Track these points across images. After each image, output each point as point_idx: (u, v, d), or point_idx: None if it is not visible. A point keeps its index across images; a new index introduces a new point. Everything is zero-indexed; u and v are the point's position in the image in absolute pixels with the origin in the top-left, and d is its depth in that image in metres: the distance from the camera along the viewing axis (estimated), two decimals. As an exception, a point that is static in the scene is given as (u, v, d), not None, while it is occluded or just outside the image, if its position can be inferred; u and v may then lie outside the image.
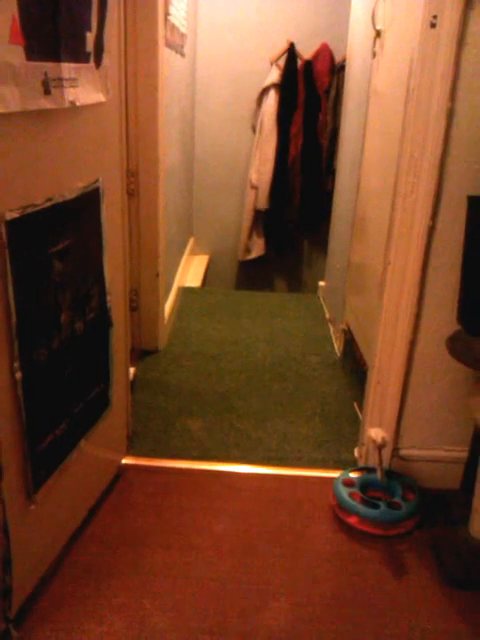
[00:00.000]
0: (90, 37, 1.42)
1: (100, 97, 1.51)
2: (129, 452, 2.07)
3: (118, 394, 1.89)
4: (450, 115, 1.62)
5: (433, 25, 1.56)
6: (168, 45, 2.71)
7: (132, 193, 2.56)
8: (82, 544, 1.70)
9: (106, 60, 1.51)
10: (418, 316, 1.78)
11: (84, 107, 1.42)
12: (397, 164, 1.72)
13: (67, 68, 1.31)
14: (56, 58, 1.26)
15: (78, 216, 1.51)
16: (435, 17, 1.55)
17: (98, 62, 1.48)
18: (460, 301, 1.59)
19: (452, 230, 1.70)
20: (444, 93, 1.60)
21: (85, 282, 1.58)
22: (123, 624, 1.45)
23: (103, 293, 1.68)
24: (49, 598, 1.52)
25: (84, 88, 1.41)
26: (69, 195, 1.44)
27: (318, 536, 1.78)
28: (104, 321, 1.72)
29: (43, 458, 1.46)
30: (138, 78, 2.45)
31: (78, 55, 1.37)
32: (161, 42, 2.47)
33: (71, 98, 1.34)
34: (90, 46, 1.42)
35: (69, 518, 1.69)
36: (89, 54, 1.42)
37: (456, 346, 1.58)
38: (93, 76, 1.46)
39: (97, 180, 1.58)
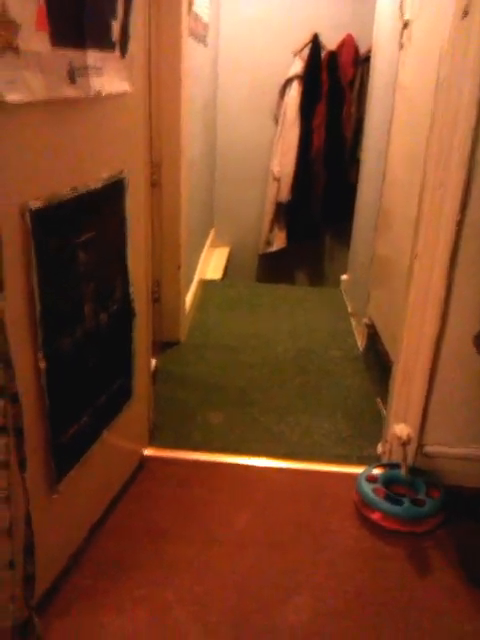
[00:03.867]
0: (116, 25, 1.40)
1: (125, 87, 1.50)
2: (151, 444, 2.07)
3: (140, 386, 1.89)
4: (481, 106, 1.58)
5: (466, 13, 1.52)
6: (191, 34, 2.69)
7: (155, 184, 2.54)
8: (103, 536, 1.70)
9: (132, 49, 1.49)
10: (445, 311, 1.75)
11: (109, 97, 1.40)
12: (425, 157, 1.69)
13: (93, 56, 1.29)
14: (82, 46, 1.25)
15: (103, 207, 1.50)
16: (467, 6, 1.51)
17: (123, 51, 1.46)
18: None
19: (482, 223, 1.66)
20: (475, 85, 1.56)
21: (109, 273, 1.57)
22: (145, 617, 1.45)
23: (126, 284, 1.67)
24: (70, 589, 1.53)
25: (109, 77, 1.39)
26: (94, 185, 1.43)
27: (341, 532, 1.76)
28: (127, 312, 1.72)
29: (66, 449, 1.46)
30: (161, 68, 2.43)
31: (104, 44, 1.35)
32: (185, 32, 2.45)
33: (97, 87, 1.33)
34: (116, 35, 1.40)
35: (91, 509, 1.69)
36: (115, 43, 1.41)
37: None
38: (118, 65, 1.44)
39: (122, 171, 1.56)
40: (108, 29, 1.37)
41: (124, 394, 1.78)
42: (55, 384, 1.35)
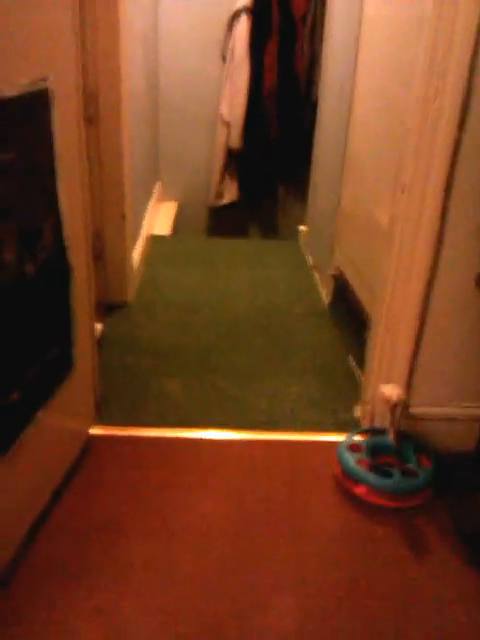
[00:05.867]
0: None
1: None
2: (98, 421, 1.78)
3: (82, 354, 1.58)
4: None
5: None
6: None
7: (91, 119, 2.19)
8: (45, 536, 1.41)
9: None
10: (438, 251, 1.50)
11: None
12: (414, 65, 1.41)
13: None
14: None
15: (22, 122, 1.17)
16: None
17: None
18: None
19: (483, 144, 1.41)
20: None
21: (34, 211, 1.25)
22: (98, 636, 1.18)
23: (58, 228, 1.35)
24: (6, 605, 1.24)
25: None
26: (9, 92, 1.10)
27: (322, 511, 1.53)
28: (61, 264, 1.40)
29: (-11, 436, 1.16)
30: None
31: None
32: None
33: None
34: None
35: (28, 506, 1.40)
36: None
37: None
38: None
39: (46, 78, 1.23)
40: None
41: (63, 365, 1.47)
42: (-34, 355, 1.04)
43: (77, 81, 1.40)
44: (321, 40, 3.19)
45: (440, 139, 1.40)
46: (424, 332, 1.62)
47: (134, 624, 1.21)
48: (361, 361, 1.95)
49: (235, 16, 3.65)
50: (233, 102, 3.69)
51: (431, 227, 1.48)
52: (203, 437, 1.78)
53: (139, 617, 1.23)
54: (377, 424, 1.75)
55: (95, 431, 1.75)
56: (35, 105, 1.20)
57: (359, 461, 1.60)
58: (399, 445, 1.63)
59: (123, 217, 2.38)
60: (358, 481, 1.57)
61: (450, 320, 1.60)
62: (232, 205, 3.93)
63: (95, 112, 2.20)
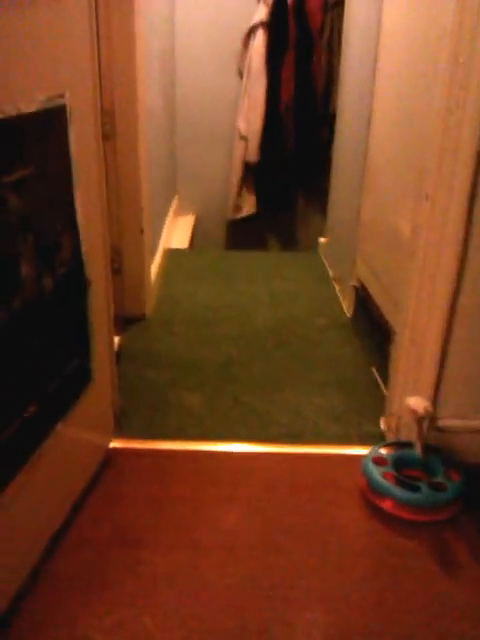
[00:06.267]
0: None
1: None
2: (117, 434, 1.76)
3: (101, 367, 1.58)
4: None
5: None
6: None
7: (108, 136, 2.20)
8: (66, 549, 1.39)
9: None
10: (463, 260, 1.47)
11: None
12: (436, 76, 1.40)
13: None
14: None
15: (39, 138, 1.17)
16: None
17: None
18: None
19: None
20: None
21: (52, 226, 1.24)
22: (120, 653, 1.16)
23: (76, 242, 1.35)
24: (25, 620, 1.22)
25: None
26: (26, 108, 1.10)
27: (348, 526, 1.49)
28: (79, 278, 1.40)
29: (9, 449, 1.15)
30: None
31: None
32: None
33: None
34: None
35: (48, 519, 1.39)
36: None
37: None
38: None
39: (63, 95, 1.23)
40: None
41: (81, 378, 1.46)
42: (-14, 368, 1.04)
43: (94, 97, 1.40)
44: (339, 53, 3.20)
45: (463, 148, 1.37)
46: (450, 343, 1.58)
47: (157, 639, 1.19)
48: (384, 373, 1.91)
49: (251, 31, 3.67)
50: (250, 116, 3.71)
51: (456, 235, 1.45)
52: (225, 450, 1.75)
53: (162, 632, 1.20)
54: (403, 437, 1.71)
55: (115, 444, 1.73)
56: (52, 121, 1.20)
57: (385, 474, 1.56)
58: (426, 458, 1.59)
59: (141, 231, 2.39)
60: (384, 495, 1.53)
61: (477, 330, 1.56)
62: (250, 218, 3.93)
63: (112, 128, 2.21)
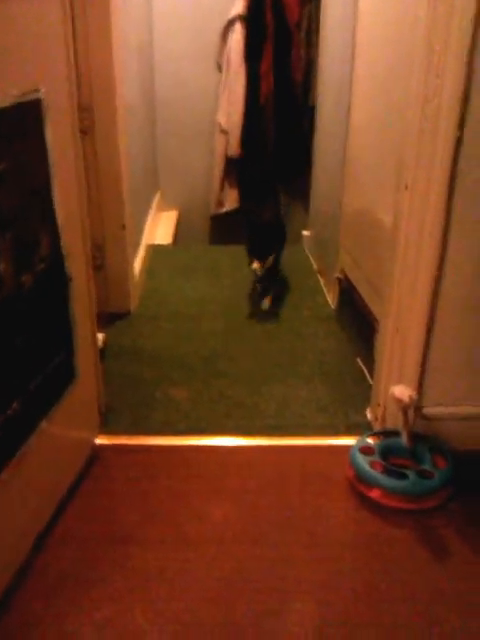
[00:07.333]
0: None
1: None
2: (103, 430, 1.75)
3: (85, 364, 1.56)
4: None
5: None
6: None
7: (86, 131, 2.17)
8: (53, 545, 1.38)
9: None
10: (444, 247, 1.48)
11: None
12: (412, 65, 1.39)
13: None
14: None
15: (15, 134, 1.15)
16: None
17: None
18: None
19: (484, 141, 1.39)
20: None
21: (30, 222, 1.23)
22: (110, 650, 1.16)
23: (55, 237, 1.33)
24: (13, 618, 1.21)
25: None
26: (0, 103, 1.08)
27: (337, 516, 1.50)
28: (59, 274, 1.38)
29: (-8, 448, 1.14)
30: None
31: None
32: None
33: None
34: None
35: (34, 515, 1.38)
36: None
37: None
38: None
39: (38, 89, 1.22)
40: None
41: (65, 374, 1.45)
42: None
43: (71, 92, 1.39)
44: (317, 45, 3.19)
45: (441, 137, 1.37)
46: (433, 331, 1.59)
47: (147, 635, 1.18)
48: (370, 363, 1.92)
49: (229, 25, 3.65)
50: (230, 110, 3.69)
51: (436, 223, 1.45)
52: (212, 444, 1.75)
53: (152, 627, 1.19)
54: (389, 426, 1.71)
55: (101, 440, 1.72)
56: (27, 116, 1.19)
57: (372, 464, 1.56)
58: (413, 446, 1.60)
59: (123, 227, 2.37)
60: (372, 484, 1.53)
61: (460, 317, 1.57)
62: (233, 212, 3.92)
63: (90, 123, 2.19)
